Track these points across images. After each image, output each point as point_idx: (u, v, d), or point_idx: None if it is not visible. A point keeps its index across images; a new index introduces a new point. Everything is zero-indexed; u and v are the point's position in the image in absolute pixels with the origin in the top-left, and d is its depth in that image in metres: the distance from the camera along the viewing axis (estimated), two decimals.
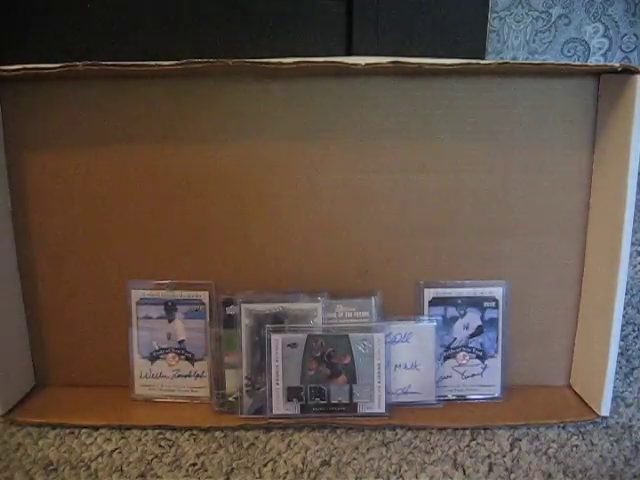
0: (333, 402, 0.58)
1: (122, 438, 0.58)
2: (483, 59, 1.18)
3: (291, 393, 0.58)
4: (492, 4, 1.30)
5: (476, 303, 0.62)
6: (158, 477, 0.53)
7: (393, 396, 0.60)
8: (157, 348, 0.62)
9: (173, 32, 1.13)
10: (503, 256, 0.62)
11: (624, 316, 0.62)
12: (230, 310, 0.59)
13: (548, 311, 0.63)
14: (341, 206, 0.61)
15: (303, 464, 0.54)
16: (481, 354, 0.62)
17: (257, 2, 1.13)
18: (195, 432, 0.58)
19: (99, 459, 0.55)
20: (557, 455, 0.55)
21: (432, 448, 0.56)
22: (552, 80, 0.58)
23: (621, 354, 0.70)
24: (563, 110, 0.59)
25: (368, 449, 0.56)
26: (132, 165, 0.60)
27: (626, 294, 0.63)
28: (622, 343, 0.72)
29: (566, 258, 0.62)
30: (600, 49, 1.45)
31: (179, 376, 0.63)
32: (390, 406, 0.59)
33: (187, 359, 0.63)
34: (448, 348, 0.62)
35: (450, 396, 0.63)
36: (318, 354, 0.58)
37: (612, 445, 0.57)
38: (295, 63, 0.52)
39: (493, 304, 0.62)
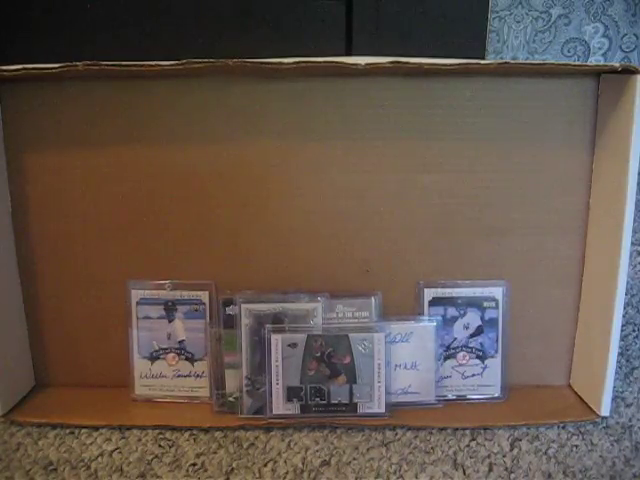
0: (333, 402, 0.58)
1: (122, 438, 0.58)
2: (483, 59, 1.18)
3: (291, 393, 0.58)
4: (492, 4, 1.31)
5: (476, 303, 0.62)
6: (158, 477, 0.53)
7: (393, 396, 0.60)
8: (157, 348, 0.62)
9: (173, 32, 1.13)
10: (503, 256, 0.62)
11: (624, 316, 0.62)
12: (230, 310, 0.59)
13: (548, 311, 0.63)
14: (341, 206, 0.61)
15: (303, 464, 0.54)
16: (481, 354, 0.62)
17: (257, 2, 1.13)
18: (195, 432, 0.58)
19: (99, 459, 0.55)
20: (557, 455, 0.55)
21: (432, 448, 0.56)
22: (552, 80, 0.58)
23: (621, 354, 0.70)
24: (563, 110, 0.59)
25: (368, 449, 0.56)
26: (132, 165, 0.60)
27: (626, 294, 0.63)
28: (622, 343, 0.72)
29: (566, 258, 0.62)
30: (600, 49, 1.45)
31: (179, 376, 0.63)
32: (390, 406, 0.59)
33: (187, 359, 0.63)
34: (448, 348, 0.62)
35: (450, 396, 0.63)
36: (318, 354, 0.58)
37: (612, 445, 0.56)
38: (295, 63, 0.52)
39: (493, 304, 0.62)
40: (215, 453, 0.56)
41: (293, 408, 0.58)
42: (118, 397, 0.62)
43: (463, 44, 1.17)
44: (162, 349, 0.63)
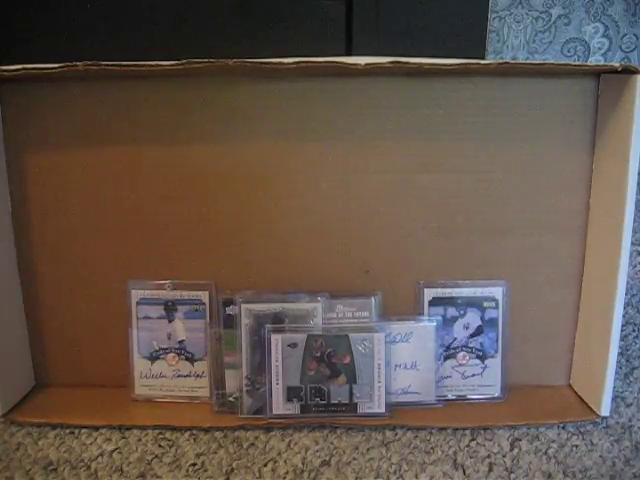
0: (333, 402, 0.58)
1: (122, 438, 0.58)
2: (483, 59, 1.18)
3: (291, 393, 0.58)
4: (492, 4, 1.31)
5: (476, 303, 0.62)
6: (158, 477, 0.53)
7: (393, 396, 0.60)
8: (157, 348, 0.62)
9: (173, 32, 1.13)
10: (503, 256, 0.62)
11: (624, 316, 0.62)
12: (230, 310, 0.59)
13: (548, 311, 0.63)
14: (341, 206, 0.61)
15: (303, 464, 0.54)
16: (481, 354, 0.62)
17: (257, 2, 1.13)
18: (195, 432, 0.58)
19: (99, 459, 0.55)
20: (557, 455, 0.55)
21: (432, 448, 0.56)
22: (552, 80, 0.58)
23: (621, 354, 0.70)
24: (563, 110, 0.59)
25: (368, 449, 0.56)
26: (132, 165, 0.60)
27: (626, 294, 0.63)
28: (622, 343, 0.72)
29: (566, 258, 0.62)
30: (600, 49, 1.45)
31: (179, 376, 0.63)
32: (390, 406, 0.59)
33: (187, 359, 0.63)
34: (448, 348, 0.62)
35: (450, 396, 0.63)
36: (318, 354, 0.58)
37: (612, 445, 0.56)
38: (295, 63, 0.52)
39: (493, 304, 0.62)
40: (215, 453, 0.56)
41: (293, 408, 0.58)
42: (118, 397, 0.62)
43: (463, 44, 1.17)
44: (162, 349, 0.63)
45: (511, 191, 0.61)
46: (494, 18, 1.40)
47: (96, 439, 0.58)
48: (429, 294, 0.62)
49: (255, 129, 0.59)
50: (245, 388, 0.59)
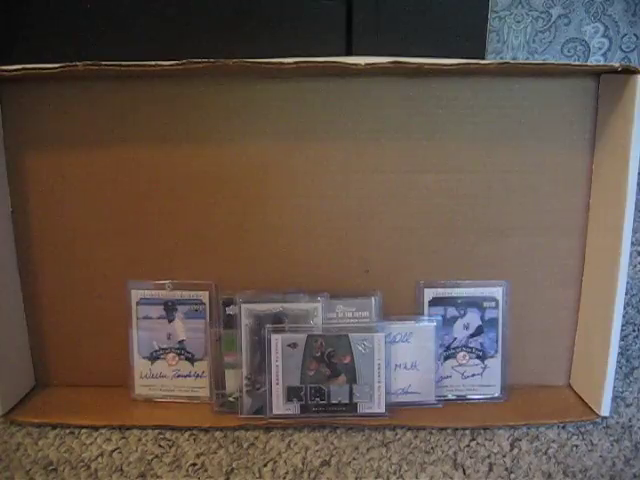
0: (333, 402, 0.58)
1: (122, 438, 0.58)
2: (483, 59, 1.18)
3: (291, 393, 0.58)
4: (492, 4, 1.31)
5: (476, 303, 0.62)
6: (158, 477, 0.53)
7: (393, 396, 0.60)
8: (157, 348, 0.62)
9: (173, 32, 1.13)
10: (503, 256, 0.62)
11: (624, 316, 0.62)
12: (230, 310, 0.59)
13: (548, 311, 0.63)
14: (341, 206, 0.61)
15: (303, 464, 0.54)
16: (481, 354, 0.62)
17: (257, 2, 1.13)
18: (195, 432, 0.58)
19: (99, 459, 0.55)
20: (557, 455, 0.55)
21: (432, 448, 0.56)
22: (552, 80, 0.58)
23: (621, 354, 0.70)
24: (563, 110, 0.59)
25: (368, 449, 0.56)
26: (132, 165, 0.60)
27: (626, 294, 0.63)
28: (622, 343, 0.72)
29: (566, 258, 0.62)
30: (600, 49, 1.45)
31: (179, 376, 0.63)
32: (390, 406, 0.59)
33: (187, 359, 0.63)
34: (448, 348, 0.62)
35: (450, 396, 0.63)
36: (318, 354, 0.58)
37: (612, 445, 0.57)
38: (295, 63, 0.52)
39: (493, 304, 0.62)
40: (215, 453, 0.56)
41: (293, 408, 0.58)
42: (118, 397, 0.62)
43: (463, 44, 1.17)
44: (162, 349, 0.63)
45: (511, 191, 0.61)
46: (494, 18, 1.40)
47: (96, 439, 0.58)
48: (429, 294, 0.62)
49: (255, 129, 0.60)
50: (245, 388, 0.59)
